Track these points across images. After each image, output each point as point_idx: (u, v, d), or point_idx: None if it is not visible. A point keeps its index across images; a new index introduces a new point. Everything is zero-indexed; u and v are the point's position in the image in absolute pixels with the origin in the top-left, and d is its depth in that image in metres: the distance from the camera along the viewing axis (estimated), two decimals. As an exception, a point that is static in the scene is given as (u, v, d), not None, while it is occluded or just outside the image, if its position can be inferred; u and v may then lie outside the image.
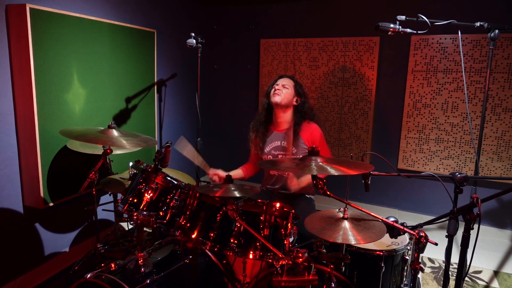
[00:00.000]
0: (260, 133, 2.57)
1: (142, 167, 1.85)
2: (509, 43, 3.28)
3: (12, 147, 2.36)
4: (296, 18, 4.10)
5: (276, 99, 2.43)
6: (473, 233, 1.49)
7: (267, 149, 2.52)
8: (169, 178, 1.83)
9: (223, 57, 4.57)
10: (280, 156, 2.49)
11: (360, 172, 1.48)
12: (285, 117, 2.51)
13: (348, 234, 1.53)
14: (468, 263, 1.54)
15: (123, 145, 1.93)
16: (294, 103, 2.50)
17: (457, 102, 3.54)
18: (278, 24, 4.20)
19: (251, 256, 1.63)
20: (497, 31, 2.15)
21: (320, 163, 1.46)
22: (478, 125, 3.49)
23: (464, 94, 3.48)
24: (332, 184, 2.32)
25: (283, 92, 2.44)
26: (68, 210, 2.76)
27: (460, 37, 2.54)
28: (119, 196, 2.44)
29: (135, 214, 1.64)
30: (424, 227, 1.57)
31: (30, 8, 2.22)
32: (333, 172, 1.39)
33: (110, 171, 2.50)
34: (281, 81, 2.50)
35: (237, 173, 2.65)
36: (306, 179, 2.45)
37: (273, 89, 2.48)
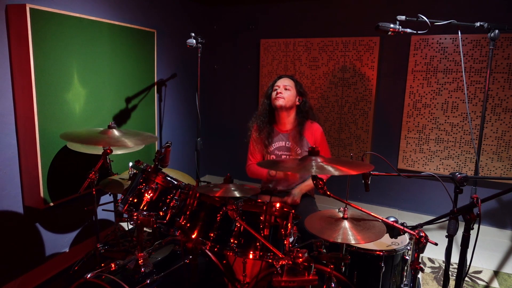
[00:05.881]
0: (265, 133, 2.54)
1: (142, 167, 1.85)
2: (509, 43, 3.28)
3: (12, 147, 2.36)
4: (296, 18, 4.10)
5: (280, 102, 2.41)
6: (473, 233, 1.49)
7: (271, 149, 2.52)
8: (169, 178, 1.83)
9: (223, 57, 4.57)
10: (284, 157, 2.49)
11: (360, 172, 1.48)
12: (289, 118, 2.51)
13: (348, 234, 1.53)
14: (468, 263, 1.54)
15: (125, 144, 1.93)
16: (297, 103, 2.50)
17: (457, 102, 3.54)
18: (278, 24, 4.20)
19: (251, 256, 1.63)
20: (497, 31, 2.15)
21: (321, 163, 1.46)
22: (478, 125, 3.49)
23: (464, 94, 3.48)
24: (332, 184, 2.33)
25: (286, 94, 2.43)
26: (68, 210, 2.76)
27: (460, 37, 2.54)
28: (119, 196, 2.44)
29: (135, 214, 1.64)
30: (424, 227, 1.57)
31: (30, 8, 2.22)
32: (333, 171, 1.39)
33: (110, 171, 2.50)
34: (282, 82, 2.48)
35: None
36: (306, 185, 2.45)
37: (274, 92, 2.47)
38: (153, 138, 2.13)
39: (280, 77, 2.55)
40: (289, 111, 2.49)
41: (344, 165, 1.48)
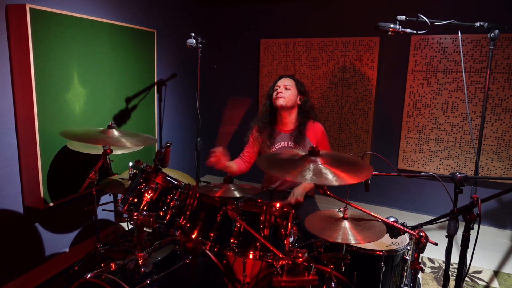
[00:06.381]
0: (266, 133, 2.54)
1: (142, 167, 1.85)
2: (509, 43, 3.28)
3: (12, 147, 2.36)
4: (296, 18, 4.10)
5: (281, 102, 2.42)
6: (473, 233, 1.49)
7: (273, 149, 2.52)
8: (169, 178, 1.83)
9: (223, 57, 4.57)
10: None
11: (360, 179, 1.37)
12: (291, 118, 2.51)
13: (348, 234, 1.53)
14: (468, 263, 1.54)
15: (124, 145, 1.93)
16: (298, 102, 2.50)
17: (457, 102, 3.54)
18: (278, 24, 4.20)
19: (251, 256, 1.63)
20: (497, 31, 2.15)
21: (320, 165, 1.41)
22: (478, 125, 3.49)
23: (464, 94, 3.48)
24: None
25: (286, 94, 2.43)
26: (68, 210, 2.76)
27: (460, 37, 2.54)
28: (119, 196, 2.44)
29: (135, 214, 1.64)
30: (424, 227, 1.57)
31: (30, 8, 2.22)
32: (331, 180, 1.31)
33: (110, 171, 2.50)
34: (282, 82, 2.48)
35: (232, 166, 2.50)
36: (309, 184, 2.45)
37: (275, 92, 2.47)
38: (152, 140, 2.13)
39: (280, 77, 2.55)
40: (290, 111, 2.49)
41: (345, 169, 1.42)
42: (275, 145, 2.52)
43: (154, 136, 3.57)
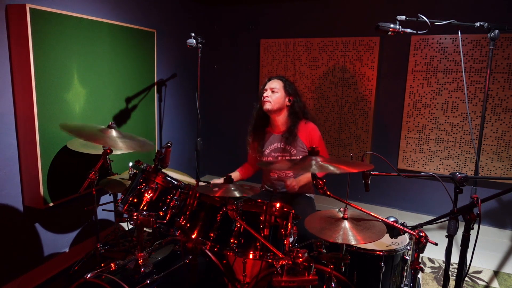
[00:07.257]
0: (258, 136, 2.55)
1: (142, 167, 1.85)
2: (509, 43, 3.28)
3: (12, 147, 2.36)
4: (296, 18, 4.10)
5: (267, 106, 2.42)
6: (473, 233, 1.49)
7: (266, 151, 2.52)
8: (169, 178, 1.83)
9: (223, 57, 4.57)
10: (280, 158, 2.49)
11: (360, 170, 1.47)
12: (281, 119, 2.50)
13: (348, 234, 1.53)
14: (468, 263, 1.54)
15: (120, 147, 1.90)
16: (287, 103, 2.48)
17: (457, 102, 3.54)
18: (278, 24, 4.20)
19: (251, 256, 1.63)
20: (497, 31, 2.15)
21: (321, 163, 1.45)
22: (478, 125, 3.49)
23: (464, 94, 3.48)
24: (332, 184, 2.32)
25: (272, 97, 2.42)
26: (68, 210, 2.76)
27: (460, 37, 2.54)
28: (119, 196, 2.44)
29: (135, 214, 1.64)
30: (424, 227, 1.57)
31: (30, 8, 2.22)
32: (333, 169, 1.39)
33: (110, 171, 2.50)
34: (269, 85, 2.48)
35: (235, 176, 2.65)
36: (305, 177, 2.44)
37: (262, 96, 2.47)
38: (150, 146, 2.09)
39: (269, 79, 2.53)
40: (280, 113, 2.48)
41: (344, 165, 1.48)
42: (268, 147, 2.52)
43: (154, 136, 3.57)
